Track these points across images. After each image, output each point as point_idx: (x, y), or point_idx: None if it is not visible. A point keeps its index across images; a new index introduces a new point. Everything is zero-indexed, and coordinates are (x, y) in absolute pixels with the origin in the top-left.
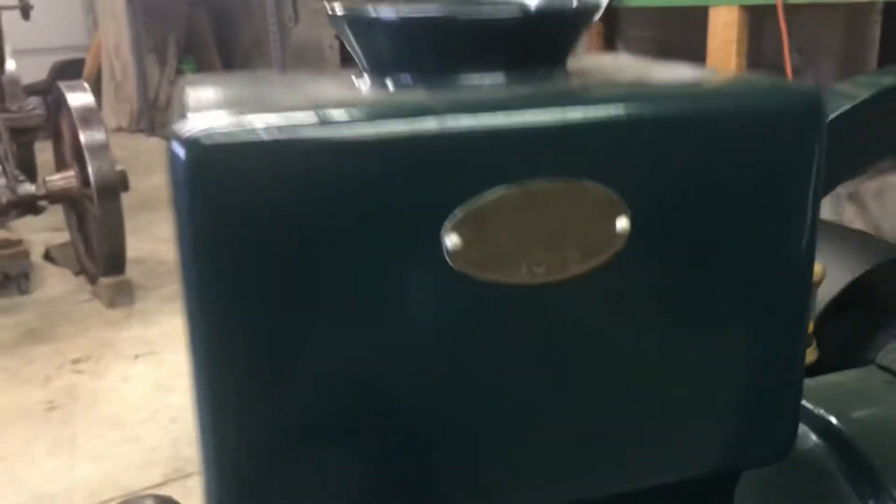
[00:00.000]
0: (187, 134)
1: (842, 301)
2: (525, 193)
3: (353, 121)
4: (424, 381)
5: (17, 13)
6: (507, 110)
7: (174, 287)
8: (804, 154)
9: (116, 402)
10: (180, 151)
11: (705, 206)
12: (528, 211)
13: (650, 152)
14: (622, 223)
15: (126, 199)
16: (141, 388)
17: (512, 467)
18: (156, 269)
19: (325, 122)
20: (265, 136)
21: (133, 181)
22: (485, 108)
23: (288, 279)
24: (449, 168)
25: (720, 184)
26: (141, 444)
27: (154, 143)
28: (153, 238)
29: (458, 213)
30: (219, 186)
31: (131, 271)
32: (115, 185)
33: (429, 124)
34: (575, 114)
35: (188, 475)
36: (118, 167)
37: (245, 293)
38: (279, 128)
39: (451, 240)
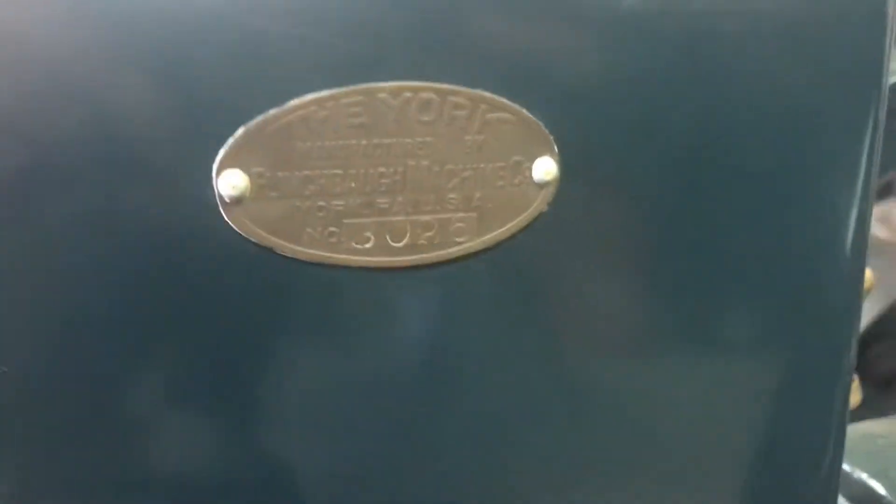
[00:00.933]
0: None
1: (886, 323)
2: (367, 103)
3: None
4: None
5: None
6: None
7: None
8: (865, 69)
9: None
10: None
11: (691, 152)
12: (372, 135)
13: (605, 46)
14: (544, 168)
15: None
16: None
17: None
18: None
19: None
20: None
21: None
22: None
23: None
24: (229, 50)
25: (724, 113)
26: None
27: None
28: None
29: (242, 132)
30: None
31: None
32: None
33: None
34: None
35: None
36: None
37: None
38: None
39: (229, 180)
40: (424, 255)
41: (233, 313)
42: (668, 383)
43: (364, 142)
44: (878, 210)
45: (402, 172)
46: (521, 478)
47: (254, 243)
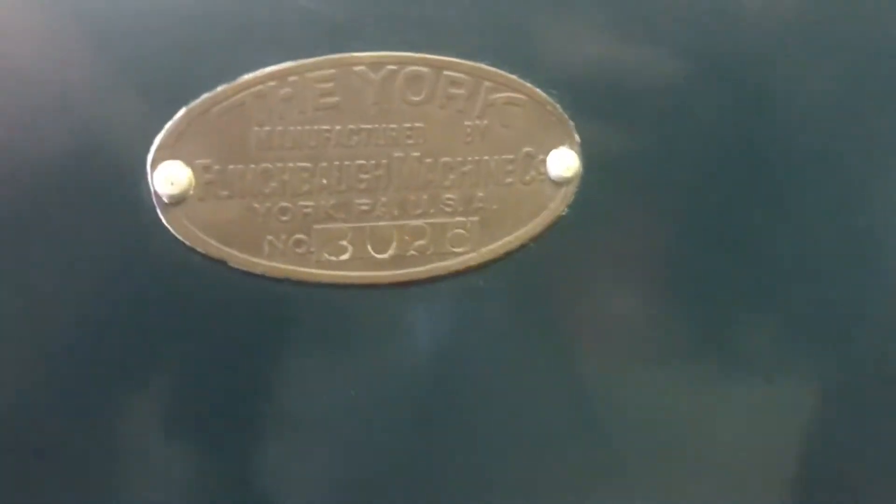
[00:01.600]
0: None
1: None
2: (343, 79)
3: None
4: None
5: None
6: None
7: None
8: None
9: None
10: None
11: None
12: (353, 122)
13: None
14: (564, 162)
15: None
16: None
17: None
18: None
19: None
20: None
21: None
22: None
23: None
24: (162, 17)
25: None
26: None
27: None
28: None
29: (181, 116)
30: None
31: None
32: None
33: None
34: None
35: None
36: None
37: None
38: None
39: (164, 176)
40: (414, 269)
41: (173, 336)
42: (704, 401)
43: (338, 127)
44: None
45: (385, 166)
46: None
47: (201, 253)
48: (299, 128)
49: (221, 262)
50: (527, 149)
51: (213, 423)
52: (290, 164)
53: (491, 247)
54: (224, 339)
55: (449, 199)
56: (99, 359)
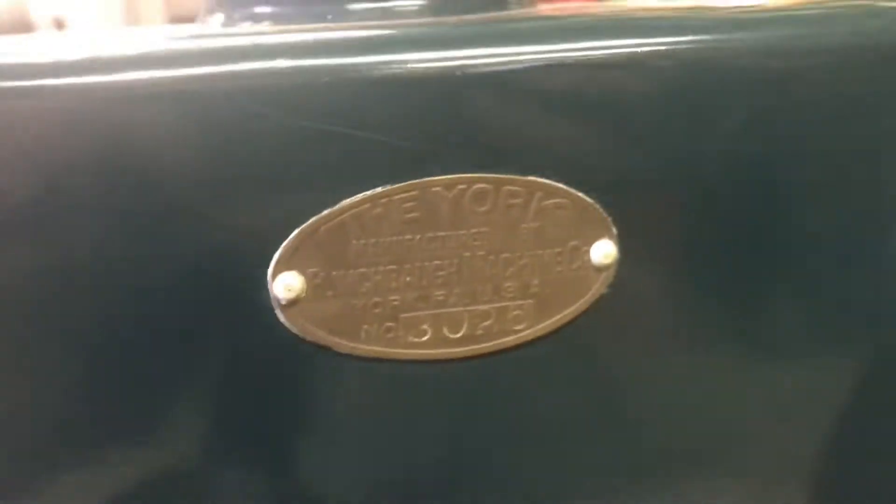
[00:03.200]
0: None
1: None
2: (421, 197)
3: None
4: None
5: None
6: (392, 48)
7: None
8: None
9: None
10: None
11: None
12: (427, 229)
13: (658, 120)
14: (604, 250)
15: None
16: None
17: None
18: None
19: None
20: None
21: None
22: (363, 46)
23: None
24: (277, 151)
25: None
26: None
27: None
28: None
29: (296, 234)
30: None
31: None
32: None
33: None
34: (528, 50)
35: None
36: None
37: None
38: None
39: (284, 282)
40: (482, 345)
41: (292, 410)
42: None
43: (419, 236)
44: None
45: (457, 264)
46: None
47: (311, 343)
48: (388, 239)
49: (328, 349)
50: (573, 242)
51: (322, 481)
52: (381, 268)
53: (545, 323)
54: (330, 409)
55: (509, 286)
56: (226, 435)
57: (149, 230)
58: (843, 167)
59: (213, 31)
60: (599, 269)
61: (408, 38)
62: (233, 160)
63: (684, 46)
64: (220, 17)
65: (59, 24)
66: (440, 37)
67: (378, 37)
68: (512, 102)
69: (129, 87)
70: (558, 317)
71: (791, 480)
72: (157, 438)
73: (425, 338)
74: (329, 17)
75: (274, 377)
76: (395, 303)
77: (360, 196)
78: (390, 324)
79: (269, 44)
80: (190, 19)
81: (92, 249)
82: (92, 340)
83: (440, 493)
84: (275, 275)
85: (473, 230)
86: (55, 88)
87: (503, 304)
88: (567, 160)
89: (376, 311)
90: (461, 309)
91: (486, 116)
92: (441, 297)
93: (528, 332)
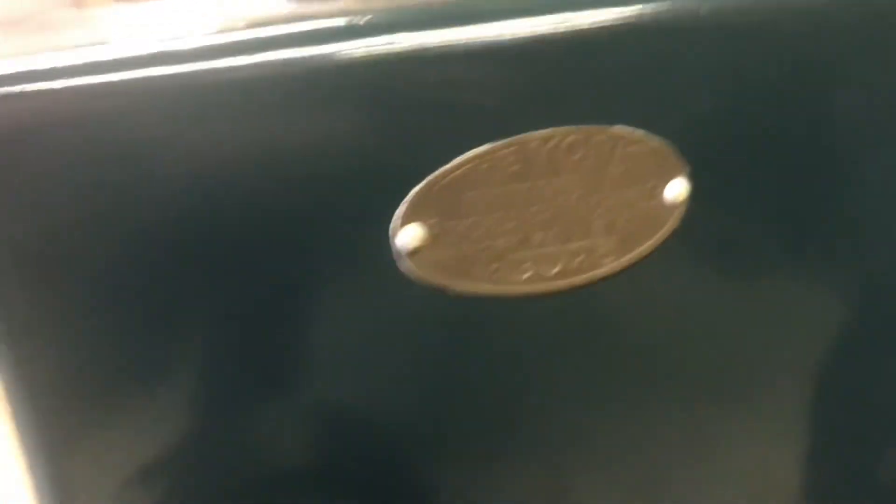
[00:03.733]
0: None
1: None
2: (520, 152)
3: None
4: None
5: None
6: (491, 17)
7: None
8: None
9: None
10: None
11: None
12: (527, 179)
13: (722, 72)
14: (677, 188)
15: None
16: None
17: None
18: None
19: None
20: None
21: None
22: (460, 17)
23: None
24: (394, 120)
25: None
26: None
27: None
28: None
29: (417, 190)
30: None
31: None
32: None
33: (354, 48)
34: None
35: None
36: None
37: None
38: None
39: (408, 234)
40: (574, 279)
41: (410, 346)
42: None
43: (520, 186)
44: None
45: (553, 208)
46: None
47: (428, 286)
48: (495, 190)
49: (443, 291)
50: (651, 183)
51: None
52: (489, 216)
53: (628, 256)
54: (442, 345)
55: (597, 225)
56: (346, 377)
57: (300, 192)
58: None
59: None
60: (673, 206)
61: (501, 7)
62: (365, 129)
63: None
64: None
65: None
66: (530, 5)
67: (474, 6)
68: (596, 63)
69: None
70: (639, 249)
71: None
72: (290, 369)
73: (526, 276)
74: None
75: (395, 318)
76: (501, 246)
77: (470, 154)
78: (496, 265)
79: (388, 21)
80: None
81: (251, 209)
82: (246, 285)
83: (541, 414)
84: (399, 228)
85: (566, 178)
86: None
87: (592, 241)
88: (645, 111)
89: (485, 254)
90: (557, 248)
91: (575, 76)
92: (540, 239)
93: (613, 264)
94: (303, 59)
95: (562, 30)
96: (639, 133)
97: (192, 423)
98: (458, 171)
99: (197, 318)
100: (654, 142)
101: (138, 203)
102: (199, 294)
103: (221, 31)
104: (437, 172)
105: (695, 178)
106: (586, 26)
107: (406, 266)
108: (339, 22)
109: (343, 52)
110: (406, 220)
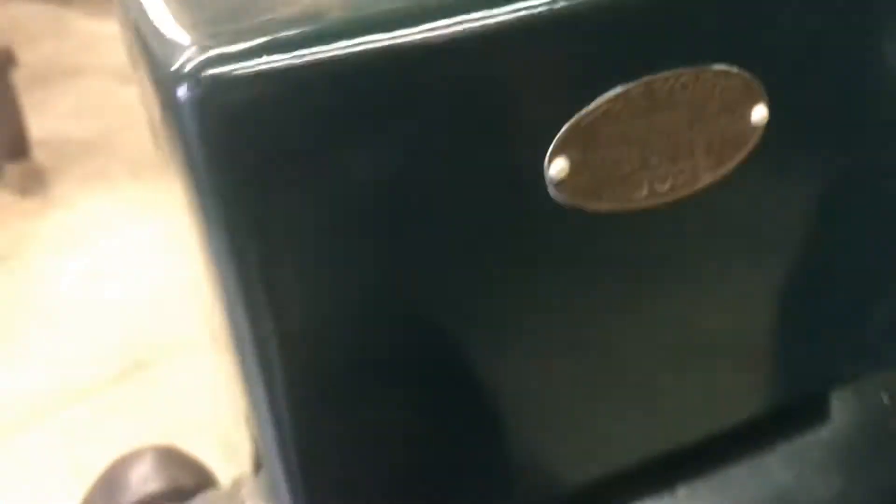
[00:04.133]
0: (186, 65)
1: None
2: (647, 91)
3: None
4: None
5: None
6: None
7: (90, 166)
8: None
9: (52, 299)
10: (178, 89)
11: (852, 73)
12: (650, 114)
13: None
14: (760, 112)
15: (16, 75)
16: (75, 280)
17: (606, 411)
18: (64, 148)
19: (369, 24)
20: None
21: (19, 54)
22: None
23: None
24: (547, 73)
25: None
26: (88, 340)
27: (34, 9)
28: (55, 115)
29: (565, 129)
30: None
31: (38, 154)
32: (2, 62)
33: (502, 16)
34: None
35: (145, 365)
36: None
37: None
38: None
39: (557, 166)
40: (680, 193)
41: (551, 258)
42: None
43: (644, 120)
44: None
45: (667, 136)
46: None
47: (569, 207)
48: (624, 125)
49: (581, 211)
50: (740, 109)
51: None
52: (619, 148)
53: (722, 170)
54: (576, 253)
55: (698, 147)
56: (508, 275)
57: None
58: None
59: None
60: (755, 127)
61: None
62: (522, 82)
63: None
64: None
65: None
66: None
67: None
68: (695, 8)
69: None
70: (730, 164)
71: None
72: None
73: (643, 193)
74: None
75: (543, 235)
76: (626, 171)
77: (606, 95)
78: (622, 187)
79: None
80: None
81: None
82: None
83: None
84: (550, 160)
85: (679, 110)
86: None
87: (693, 161)
88: (730, 46)
89: (614, 178)
90: (667, 168)
91: (685, 24)
92: (655, 162)
93: (711, 178)
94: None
95: None
96: (734, 69)
97: None
98: (597, 112)
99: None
100: (746, 75)
101: None
102: None
103: None
104: (581, 113)
105: (773, 104)
106: None
107: (556, 192)
108: None
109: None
110: (555, 154)
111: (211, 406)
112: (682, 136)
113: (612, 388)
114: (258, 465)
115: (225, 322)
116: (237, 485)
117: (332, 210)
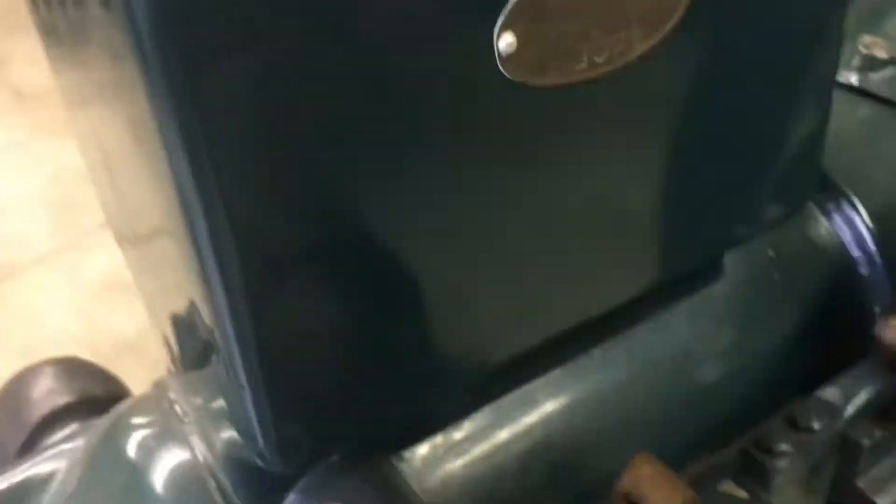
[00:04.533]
0: None
1: None
2: None
3: None
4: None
5: None
6: None
7: None
8: None
9: None
10: None
11: None
12: None
13: None
14: None
15: None
16: None
17: (546, 282)
18: None
19: None
20: None
21: None
22: None
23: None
24: None
25: None
26: None
27: None
28: None
29: (513, 2)
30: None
31: None
32: None
33: None
34: None
35: None
36: None
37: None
38: None
39: (506, 40)
40: (617, 64)
41: (500, 128)
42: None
43: None
44: None
45: (606, 9)
46: None
47: (515, 81)
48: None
49: (526, 84)
50: None
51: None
52: (566, 22)
53: (652, 40)
54: (523, 126)
55: (633, 17)
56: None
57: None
58: None
59: None
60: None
61: None
62: None
63: None
64: None
65: None
66: None
67: None
68: None
69: None
70: (661, 31)
71: None
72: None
73: (583, 65)
74: None
75: (490, 108)
76: (569, 44)
77: None
78: (565, 60)
79: None
80: None
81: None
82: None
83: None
84: (499, 35)
85: None
86: None
87: (629, 31)
88: None
89: (557, 52)
90: (604, 39)
91: None
92: (595, 35)
93: (642, 48)
94: None
95: None
96: None
97: None
98: None
99: None
100: None
101: None
102: None
103: None
104: None
105: None
106: None
107: (504, 66)
108: None
109: None
110: (503, 28)
111: (74, 321)
112: (618, 9)
113: (532, 265)
114: (183, 367)
115: (174, 213)
116: (161, 387)
117: (270, 82)
